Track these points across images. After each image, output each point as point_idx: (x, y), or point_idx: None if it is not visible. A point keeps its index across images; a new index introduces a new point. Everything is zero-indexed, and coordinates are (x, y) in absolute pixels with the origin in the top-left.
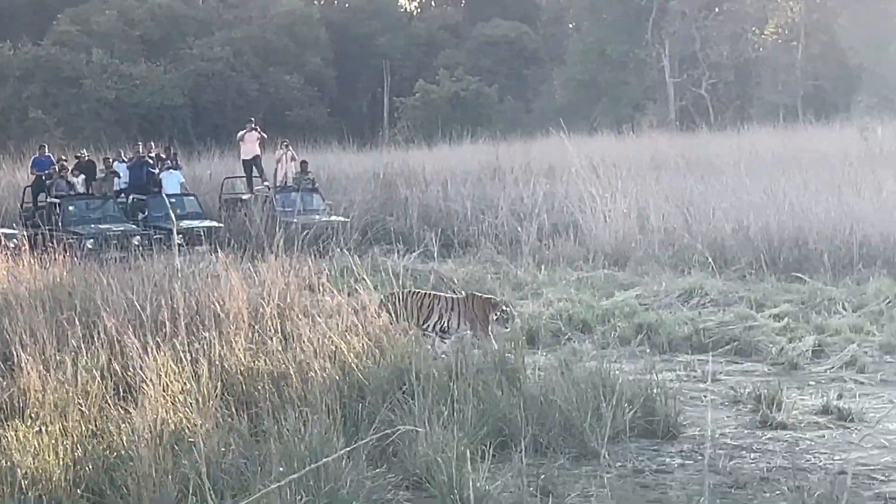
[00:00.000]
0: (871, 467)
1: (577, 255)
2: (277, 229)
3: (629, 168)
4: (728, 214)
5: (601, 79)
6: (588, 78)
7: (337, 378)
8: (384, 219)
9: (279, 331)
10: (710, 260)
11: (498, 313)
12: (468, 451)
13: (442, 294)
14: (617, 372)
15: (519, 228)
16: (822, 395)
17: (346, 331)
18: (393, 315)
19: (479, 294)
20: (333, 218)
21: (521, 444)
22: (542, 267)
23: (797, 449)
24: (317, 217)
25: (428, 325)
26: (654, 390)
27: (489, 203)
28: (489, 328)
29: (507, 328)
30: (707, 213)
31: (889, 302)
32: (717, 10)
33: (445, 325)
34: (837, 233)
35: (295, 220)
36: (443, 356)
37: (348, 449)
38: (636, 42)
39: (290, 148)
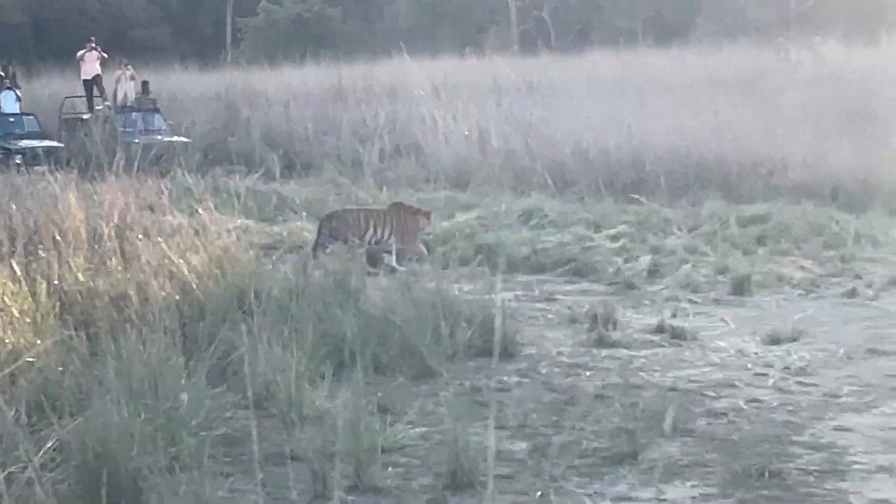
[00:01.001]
0: (702, 384)
1: (418, 177)
2: (118, 149)
3: (471, 91)
4: (568, 137)
5: (445, 1)
6: (432, 0)
7: (177, 298)
8: (226, 140)
9: (118, 251)
10: (549, 182)
11: (425, 222)
12: (308, 371)
13: (374, 208)
14: (456, 292)
15: (361, 150)
16: (656, 315)
17: (187, 251)
18: (336, 231)
19: (406, 204)
20: (175, 138)
21: (360, 364)
22: (384, 188)
23: (631, 367)
24: (158, 137)
25: (365, 239)
26: (493, 310)
27: (332, 124)
28: (416, 238)
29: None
30: (548, 136)
31: (723, 223)
32: None
33: (379, 237)
34: (674, 156)
35: (136, 141)
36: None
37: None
38: None
39: (131, 68)
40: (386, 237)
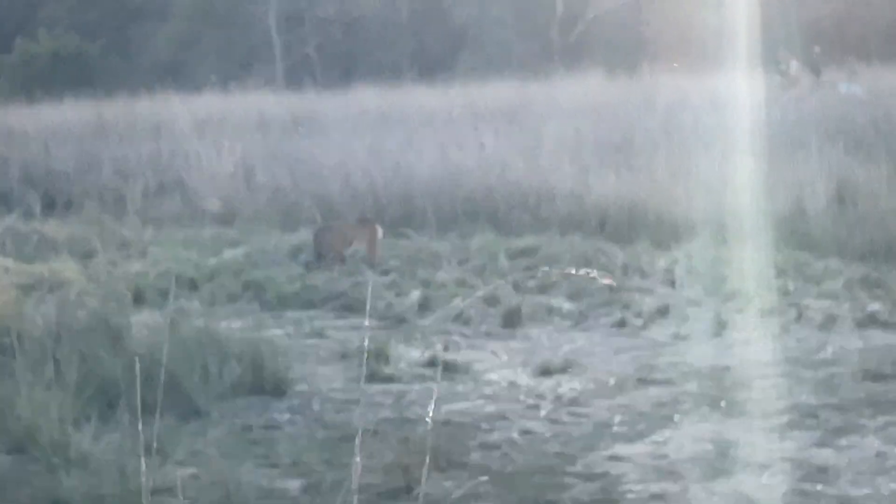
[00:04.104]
0: (476, 417)
1: (184, 214)
2: None
3: (237, 126)
4: (335, 172)
5: (207, 36)
6: (193, 35)
7: None
8: None
9: None
10: (318, 217)
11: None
12: (72, 413)
13: (349, 224)
14: (225, 330)
15: (124, 187)
16: (428, 349)
17: None
18: (330, 246)
19: (369, 218)
20: None
21: (127, 405)
22: (149, 226)
23: (404, 401)
24: None
25: (347, 252)
26: (263, 347)
27: (93, 162)
28: (378, 247)
29: None
30: (315, 171)
31: (492, 256)
32: None
33: (365, 249)
34: (442, 189)
35: None
36: None
37: None
38: None
39: None
40: (365, 249)
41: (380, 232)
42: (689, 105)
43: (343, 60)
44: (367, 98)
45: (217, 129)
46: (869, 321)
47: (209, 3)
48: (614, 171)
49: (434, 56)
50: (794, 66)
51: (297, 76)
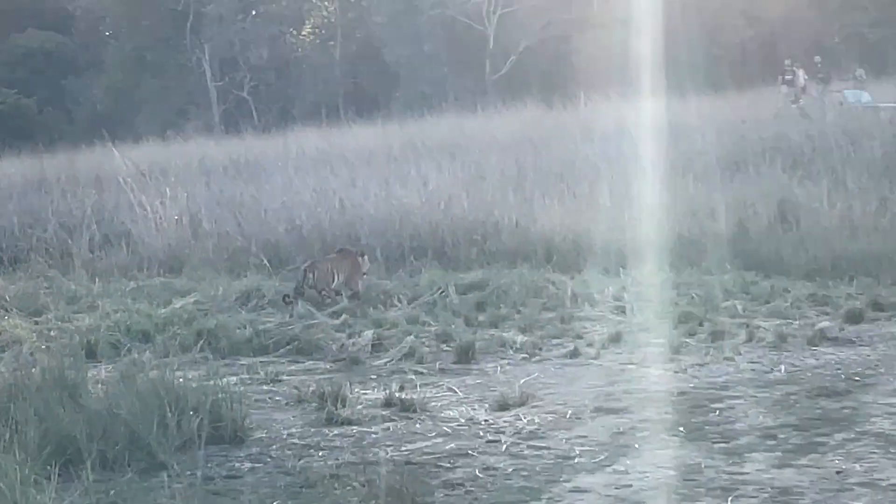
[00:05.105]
0: (437, 455)
1: (131, 265)
2: None
3: (178, 174)
4: (280, 215)
5: (142, 85)
6: (129, 85)
7: None
8: None
9: None
10: (265, 261)
11: (365, 262)
12: (32, 473)
13: (333, 257)
14: (180, 380)
15: (70, 241)
16: (384, 388)
17: None
18: (317, 282)
19: (350, 249)
20: None
21: (86, 462)
22: (97, 279)
23: (364, 443)
24: None
25: (333, 287)
26: (219, 395)
27: (37, 216)
28: (358, 278)
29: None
30: (259, 214)
31: (442, 292)
32: (253, 12)
33: (340, 281)
34: (388, 227)
35: None
36: None
37: None
38: (176, 47)
39: None
40: (343, 281)
41: (364, 262)
42: (625, 131)
43: (279, 103)
44: (306, 139)
45: (159, 178)
46: (819, 338)
47: (142, 52)
48: (558, 201)
49: (369, 95)
50: None
51: (234, 121)
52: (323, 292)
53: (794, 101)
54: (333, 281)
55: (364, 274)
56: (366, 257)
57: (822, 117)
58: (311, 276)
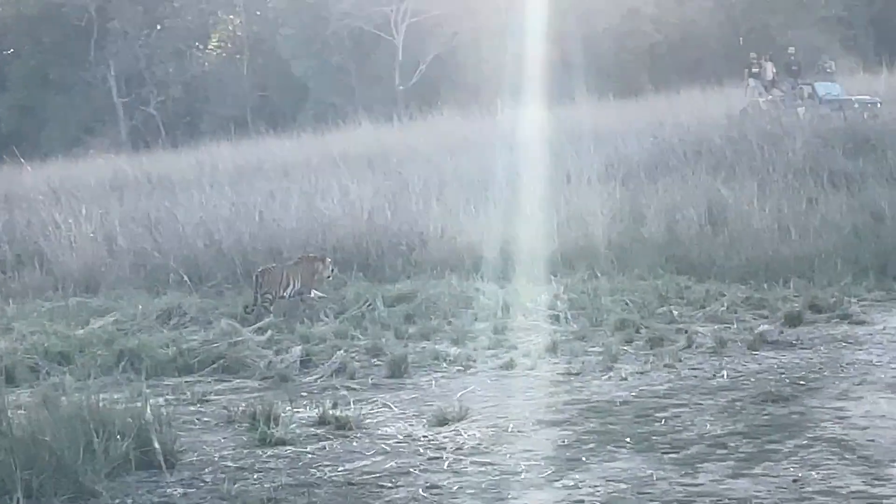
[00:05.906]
0: (377, 474)
1: (46, 285)
2: None
3: (90, 191)
4: (198, 230)
5: (47, 103)
6: (33, 103)
7: None
8: None
9: None
10: (185, 278)
11: (327, 267)
12: None
13: (290, 264)
14: (105, 403)
15: None
16: (316, 406)
17: None
18: (267, 286)
19: (309, 255)
20: None
21: (11, 492)
22: (11, 300)
23: (300, 464)
24: None
25: (287, 293)
26: (147, 418)
27: None
28: (313, 284)
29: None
30: (176, 230)
31: (369, 304)
32: (158, 27)
33: (296, 287)
34: (311, 239)
35: None
36: None
37: None
38: (80, 64)
39: None
40: (299, 286)
41: (326, 267)
42: (545, 138)
43: (186, 118)
44: (218, 153)
45: (70, 195)
46: (759, 342)
47: (45, 69)
48: (482, 209)
49: (279, 108)
50: None
51: (141, 136)
52: (266, 295)
53: (761, 96)
54: (289, 287)
55: (329, 277)
56: (328, 261)
57: (793, 112)
58: (261, 281)
